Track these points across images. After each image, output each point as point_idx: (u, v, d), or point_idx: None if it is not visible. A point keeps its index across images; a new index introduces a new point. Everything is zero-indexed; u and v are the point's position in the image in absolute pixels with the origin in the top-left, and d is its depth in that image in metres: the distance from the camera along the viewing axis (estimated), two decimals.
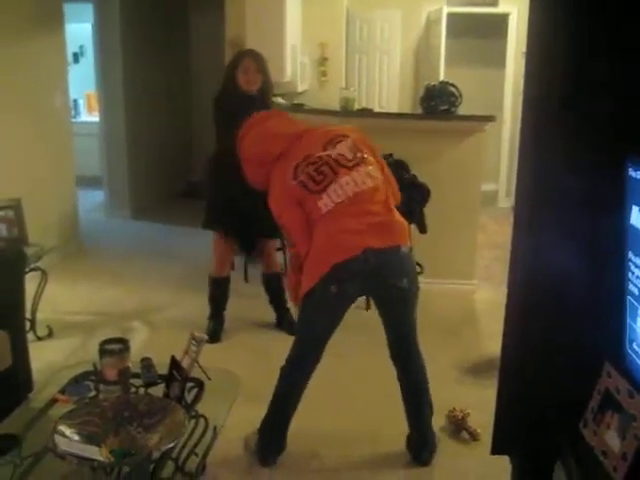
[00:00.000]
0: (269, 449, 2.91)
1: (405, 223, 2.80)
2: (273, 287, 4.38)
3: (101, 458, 2.00)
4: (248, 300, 4.73)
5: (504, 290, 2.21)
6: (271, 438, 2.92)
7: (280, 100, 5.86)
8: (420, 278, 4.29)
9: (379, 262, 2.65)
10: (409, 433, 2.96)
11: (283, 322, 4.36)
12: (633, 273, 1.72)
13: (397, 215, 2.78)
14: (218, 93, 4.06)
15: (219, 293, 4.28)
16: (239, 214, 4.00)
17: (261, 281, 4.43)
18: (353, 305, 2.79)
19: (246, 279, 5.20)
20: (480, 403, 3.12)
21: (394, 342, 2.88)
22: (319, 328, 2.79)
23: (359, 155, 2.77)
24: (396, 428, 2.98)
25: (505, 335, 2.19)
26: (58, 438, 2.03)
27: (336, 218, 2.68)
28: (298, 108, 5.61)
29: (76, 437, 2.07)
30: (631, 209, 1.70)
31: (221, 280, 4.25)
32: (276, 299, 4.39)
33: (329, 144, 2.78)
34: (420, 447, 2.93)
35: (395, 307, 2.83)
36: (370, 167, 2.76)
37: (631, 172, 1.68)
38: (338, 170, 2.71)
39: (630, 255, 1.73)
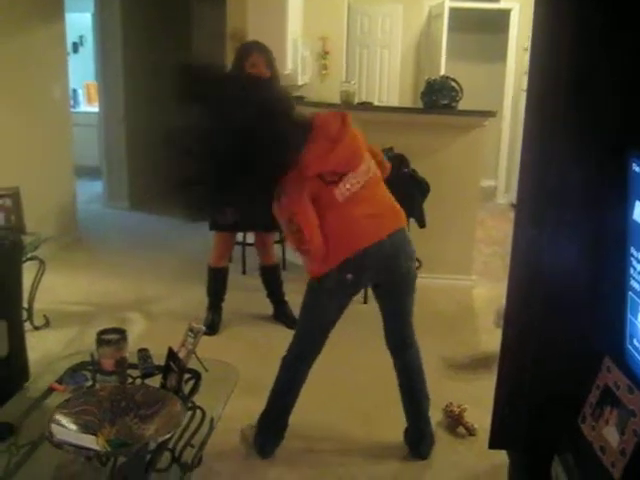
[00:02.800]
0: (268, 440, 2.90)
1: (400, 208, 2.79)
2: (271, 279, 4.36)
3: (97, 447, 2.00)
4: (246, 292, 4.71)
5: (502, 286, 2.20)
6: (270, 429, 2.91)
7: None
8: (418, 273, 4.30)
9: (394, 246, 2.66)
10: (407, 426, 2.95)
11: (281, 314, 4.35)
12: (635, 269, 1.71)
13: (393, 201, 2.77)
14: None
15: (217, 284, 4.25)
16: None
17: (259, 273, 4.42)
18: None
19: (244, 271, 5.20)
20: (477, 398, 3.12)
21: (392, 330, 2.86)
22: (328, 315, 2.77)
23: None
24: (392, 421, 2.98)
25: (505, 330, 2.18)
26: (54, 427, 2.02)
27: (354, 204, 2.60)
28: (298, 101, 5.59)
29: (72, 426, 2.06)
30: (634, 205, 1.69)
31: (219, 270, 4.23)
32: (274, 291, 4.38)
33: None
34: (418, 440, 2.92)
35: (399, 292, 2.82)
36: (366, 152, 2.74)
37: (635, 167, 1.67)
38: (358, 162, 2.65)
39: (632, 251, 1.73)
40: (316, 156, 2.54)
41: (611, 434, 1.73)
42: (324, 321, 2.79)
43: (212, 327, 4.11)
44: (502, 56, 7.80)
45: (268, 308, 4.40)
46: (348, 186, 2.59)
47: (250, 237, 5.14)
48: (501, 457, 2.38)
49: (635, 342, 1.75)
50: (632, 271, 1.73)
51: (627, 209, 1.72)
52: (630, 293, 1.76)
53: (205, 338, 2.60)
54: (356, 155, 2.63)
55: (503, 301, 2.24)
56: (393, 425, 2.98)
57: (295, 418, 2.90)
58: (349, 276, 2.62)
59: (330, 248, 2.62)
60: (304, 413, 2.95)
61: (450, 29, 7.28)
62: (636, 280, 1.71)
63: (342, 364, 3.64)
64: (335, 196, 2.58)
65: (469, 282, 5.10)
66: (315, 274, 2.69)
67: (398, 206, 2.76)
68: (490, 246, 5.87)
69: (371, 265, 2.65)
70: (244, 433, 2.98)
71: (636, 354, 1.74)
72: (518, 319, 2.12)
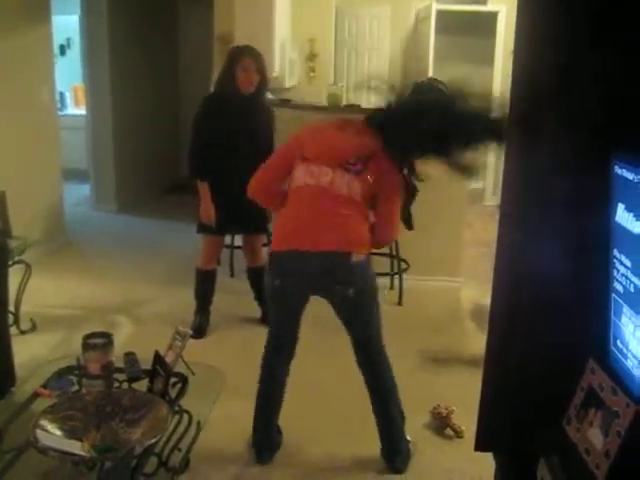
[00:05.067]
0: (260, 445, 2.90)
1: (366, 236, 2.67)
2: (258, 281, 4.33)
3: (83, 453, 1.99)
4: (233, 295, 4.71)
5: (490, 288, 2.21)
6: (260, 434, 2.91)
7: (267, 95, 5.84)
8: (406, 275, 4.28)
9: (323, 265, 2.59)
10: (381, 444, 2.88)
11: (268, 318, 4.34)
12: (618, 271, 1.72)
13: (360, 227, 2.66)
14: (214, 92, 4.02)
15: (205, 286, 4.24)
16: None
17: (246, 276, 4.41)
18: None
19: (232, 274, 5.19)
20: (465, 400, 3.12)
21: (354, 346, 2.82)
22: (275, 315, 2.87)
23: (359, 164, 2.65)
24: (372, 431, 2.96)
25: (489, 332, 2.18)
26: (39, 433, 2.01)
27: (299, 202, 2.67)
28: (285, 104, 5.59)
29: (58, 432, 2.05)
30: (617, 207, 1.70)
31: (207, 273, 4.21)
32: (262, 294, 4.36)
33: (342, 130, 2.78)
34: (392, 455, 2.86)
35: (344, 313, 2.75)
36: (359, 184, 2.64)
37: (617, 170, 1.68)
38: (330, 161, 2.65)
39: (615, 253, 1.73)
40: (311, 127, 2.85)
41: (595, 436, 1.74)
42: (275, 319, 2.88)
43: (199, 331, 4.10)
44: (489, 58, 7.83)
45: (256, 311, 4.39)
46: (307, 174, 2.65)
47: (238, 240, 5.14)
48: (489, 459, 2.39)
49: (619, 344, 1.76)
50: (615, 273, 1.74)
51: (610, 211, 1.73)
52: (613, 295, 1.77)
53: (192, 341, 2.61)
54: (327, 154, 2.68)
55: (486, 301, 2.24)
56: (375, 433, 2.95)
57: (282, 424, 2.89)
58: (276, 281, 2.68)
59: (273, 235, 2.80)
60: (290, 419, 2.95)
61: (437, 31, 7.30)
62: (619, 282, 1.72)
63: (328, 370, 3.63)
64: (296, 171, 2.70)
65: (457, 284, 5.11)
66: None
67: (359, 234, 2.64)
68: (478, 248, 5.88)
69: (292, 273, 2.65)
70: (250, 439, 2.97)
71: (620, 356, 1.75)
72: (502, 321, 2.12)
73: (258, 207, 3.05)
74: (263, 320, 4.33)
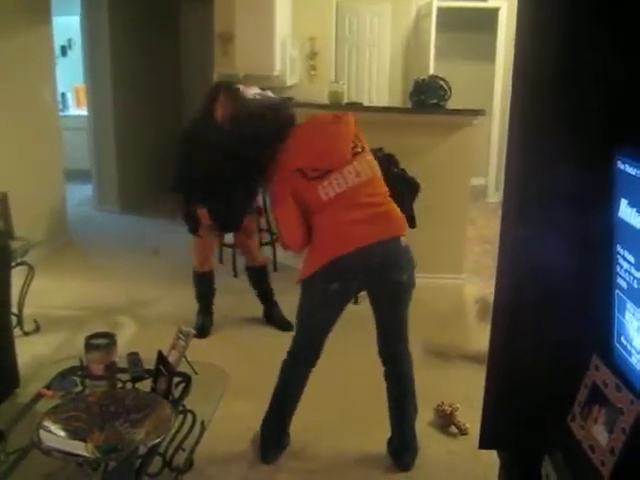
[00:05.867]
0: (268, 445, 2.89)
1: (400, 215, 2.75)
2: (259, 280, 4.36)
3: (87, 454, 1.99)
4: (236, 295, 4.71)
5: (493, 284, 2.20)
6: (270, 434, 2.90)
7: (269, 93, 5.84)
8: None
9: (385, 254, 2.62)
10: (390, 436, 2.90)
11: (270, 315, 4.35)
12: (621, 267, 1.72)
13: (394, 207, 2.73)
14: (193, 122, 4.10)
15: (204, 288, 4.26)
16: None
17: (246, 275, 4.42)
18: None
19: (235, 274, 5.18)
20: (470, 397, 3.12)
21: (383, 340, 2.83)
22: (318, 323, 2.77)
23: (359, 144, 2.69)
24: (386, 423, 2.96)
25: (493, 329, 2.18)
26: (43, 434, 2.01)
27: (342, 207, 2.60)
28: (287, 102, 5.57)
29: (61, 432, 2.05)
30: (619, 202, 1.69)
31: (204, 275, 4.23)
32: (263, 292, 4.38)
33: None
34: (401, 451, 2.87)
35: (391, 303, 2.77)
36: (369, 157, 2.71)
37: (620, 165, 1.67)
38: (341, 160, 2.62)
39: (618, 248, 1.73)
40: (292, 150, 2.64)
41: (600, 433, 1.74)
42: (315, 326, 2.79)
43: (202, 331, 4.11)
44: (491, 55, 7.81)
45: (259, 311, 4.39)
46: (334, 185, 2.59)
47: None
48: (493, 456, 2.38)
49: (623, 340, 1.75)
50: (618, 269, 1.74)
51: (613, 207, 1.73)
52: (617, 291, 1.76)
53: (195, 341, 2.59)
54: (335, 152, 2.62)
55: (488, 296, 2.24)
56: (387, 427, 2.95)
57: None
58: (334, 285, 2.62)
59: (315, 250, 2.65)
60: (298, 416, 2.95)
61: (438, 28, 7.27)
62: (623, 278, 1.72)
63: (337, 366, 3.62)
64: (319, 194, 2.59)
65: (460, 281, 5.11)
66: (302, 276, 2.69)
67: (398, 214, 2.72)
68: (481, 244, 5.88)
69: (357, 272, 2.63)
70: (255, 438, 2.96)
71: (624, 352, 1.75)
72: (506, 318, 2.12)
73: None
74: (267, 318, 4.35)
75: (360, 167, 2.64)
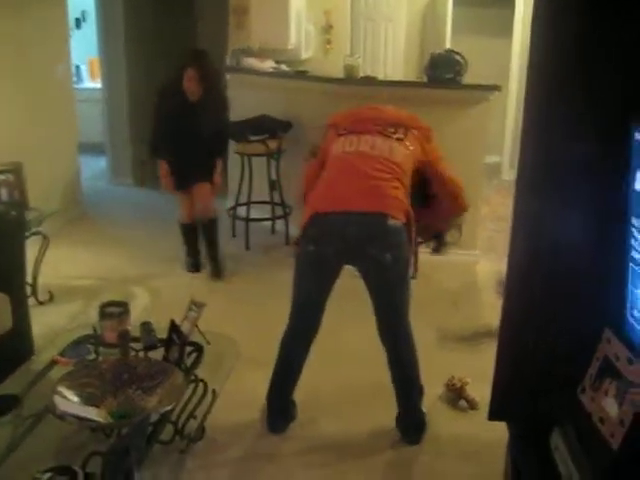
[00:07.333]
0: (274, 415, 2.91)
1: (403, 203, 2.67)
2: (211, 234, 4.73)
3: (100, 419, 2.02)
4: (248, 267, 4.77)
5: (506, 261, 2.19)
6: (274, 404, 2.92)
7: (283, 67, 5.81)
8: (421, 248, 4.25)
9: (363, 227, 2.59)
10: (398, 412, 2.89)
11: (212, 270, 4.73)
12: (636, 239, 1.71)
13: (398, 193, 2.67)
14: (164, 85, 4.62)
15: (189, 236, 4.81)
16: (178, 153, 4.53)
17: (201, 232, 4.76)
18: (349, 273, 2.76)
19: (247, 247, 5.20)
20: (480, 372, 3.11)
21: (379, 321, 2.79)
22: (304, 290, 2.78)
23: (400, 133, 2.83)
24: (393, 399, 2.97)
25: (505, 302, 2.18)
26: (57, 399, 2.04)
27: (340, 169, 2.77)
28: (301, 75, 5.55)
29: (75, 398, 2.08)
30: (636, 174, 1.68)
31: (186, 225, 4.79)
32: (214, 248, 4.74)
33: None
34: (408, 427, 2.87)
35: (377, 283, 2.71)
36: (401, 147, 2.79)
37: (637, 136, 1.65)
38: (369, 128, 2.82)
39: (634, 221, 1.72)
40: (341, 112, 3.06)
41: (610, 405, 1.74)
42: (306, 295, 2.79)
43: (195, 266, 4.77)
44: (508, 30, 7.70)
45: (270, 283, 4.40)
46: (346, 144, 2.81)
47: (254, 212, 5.16)
48: (502, 431, 2.39)
49: (635, 313, 1.75)
50: (633, 242, 1.73)
51: (629, 179, 1.71)
52: (631, 264, 1.75)
53: (207, 312, 2.61)
54: (362, 119, 2.91)
55: (504, 270, 2.23)
56: (393, 402, 2.95)
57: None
58: (310, 247, 2.66)
59: (306, 205, 2.81)
60: (304, 390, 2.96)
61: (455, 2, 7.20)
62: (637, 251, 1.71)
63: (342, 340, 3.63)
64: (333, 146, 2.85)
65: (473, 257, 5.08)
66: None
67: (397, 197, 2.66)
68: (495, 222, 5.84)
69: (332, 237, 2.62)
70: (264, 408, 2.97)
71: (636, 325, 1.74)
72: (519, 292, 2.11)
73: (205, 164, 4.41)
74: (213, 275, 4.69)
75: (381, 144, 2.76)
